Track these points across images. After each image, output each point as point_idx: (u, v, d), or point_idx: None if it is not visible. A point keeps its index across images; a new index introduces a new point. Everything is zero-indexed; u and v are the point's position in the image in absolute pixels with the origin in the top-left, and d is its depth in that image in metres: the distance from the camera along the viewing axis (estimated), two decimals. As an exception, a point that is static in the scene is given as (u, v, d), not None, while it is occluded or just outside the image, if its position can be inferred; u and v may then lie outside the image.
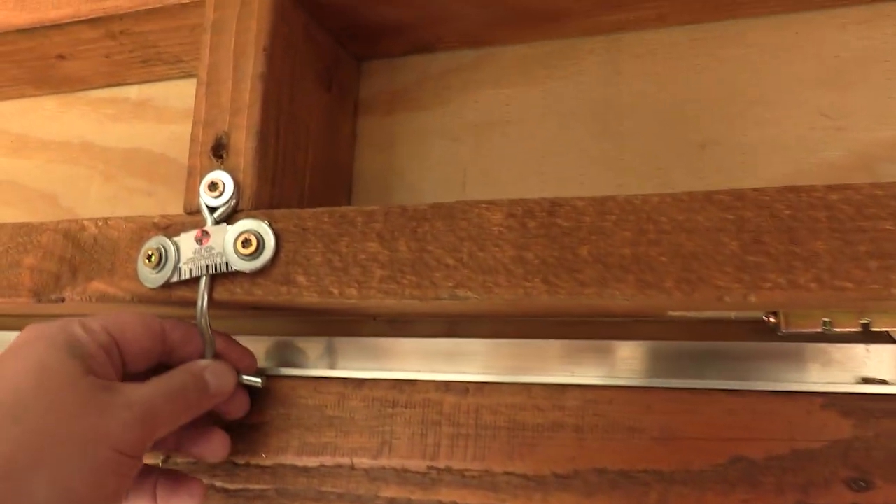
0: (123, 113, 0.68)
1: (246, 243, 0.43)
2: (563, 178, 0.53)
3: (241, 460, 0.47)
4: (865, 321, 0.39)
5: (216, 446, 0.44)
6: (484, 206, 0.40)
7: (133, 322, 0.42)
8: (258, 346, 0.50)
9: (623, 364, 0.42)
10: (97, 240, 0.48)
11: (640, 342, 0.42)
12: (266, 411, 0.48)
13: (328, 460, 0.45)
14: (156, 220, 0.47)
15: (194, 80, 0.65)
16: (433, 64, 0.59)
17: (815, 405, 0.39)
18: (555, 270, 0.38)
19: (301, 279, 0.42)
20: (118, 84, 0.69)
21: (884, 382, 0.39)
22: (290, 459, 0.46)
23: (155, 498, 0.43)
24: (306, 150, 0.52)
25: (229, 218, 0.45)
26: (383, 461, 0.44)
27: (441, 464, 0.43)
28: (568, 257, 0.38)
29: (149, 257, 0.45)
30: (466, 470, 0.42)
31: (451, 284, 0.39)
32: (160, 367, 0.43)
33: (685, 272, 0.36)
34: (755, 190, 0.36)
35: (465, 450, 0.43)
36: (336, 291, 0.41)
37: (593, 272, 0.37)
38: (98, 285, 0.47)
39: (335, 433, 0.45)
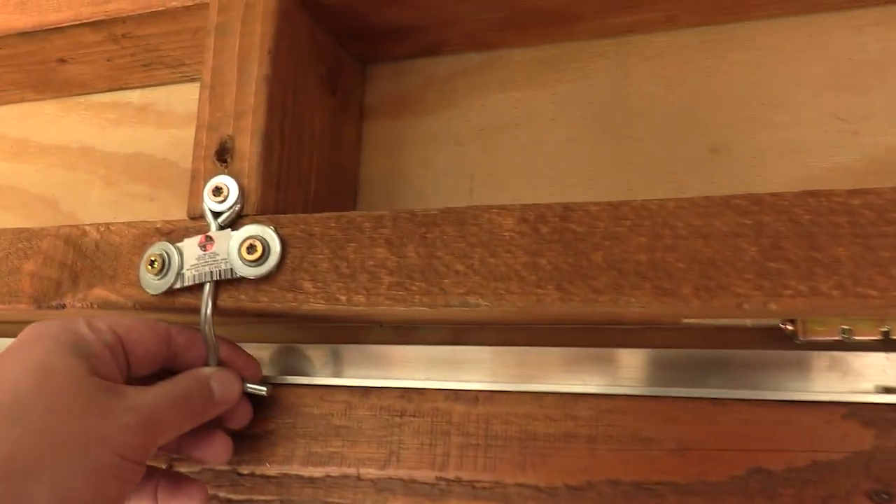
0: (125, 117, 0.67)
1: (251, 249, 0.42)
2: (572, 182, 0.52)
3: (245, 470, 0.46)
4: (886, 329, 0.39)
5: (218, 450, 0.43)
6: (495, 210, 0.39)
7: (138, 324, 0.41)
8: (261, 354, 0.49)
9: (636, 373, 0.41)
10: (99, 245, 0.47)
11: (654, 350, 0.42)
12: (271, 420, 0.47)
13: (334, 470, 0.44)
14: (158, 226, 0.46)
15: (197, 84, 0.65)
16: (439, 67, 0.58)
17: (836, 415, 0.38)
18: (568, 277, 0.37)
19: (307, 286, 0.41)
20: (119, 88, 0.68)
21: (905, 392, 0.38)
22: (295, 469, 0.45)
23: (156, 499, 0.42)
24: (311, 155, 0.51)
25: (234, 223, 0.44)
26: (391, 472, 0.43)
27: (450, 475, 0.42)
28: (582, 263, 0.37)
29: (151, 263, 0.44)
30: (477, 481, 0.41)
31: (461, 291, 0.38)
32: (164, 372, 0.43)
33: (703, 279, 0.35)
34: (774, 194, 0.35)
35: (475, 460, 0.42)
36: (343, 298, 0.40)
37: (608, 279, 0.36)
38: (100, 292, 0.46)
39: (342, 443, 0.44)
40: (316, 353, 0.48)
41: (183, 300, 0.44)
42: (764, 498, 0.37)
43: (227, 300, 0.43)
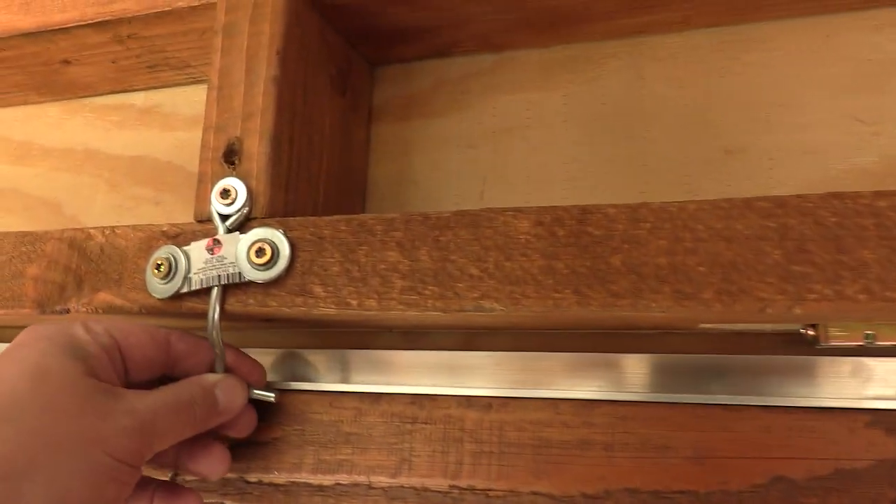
0: (129, 120, 0.67)
1: (260, 252, 0.41)
2: (585, 184, 0.51)
3: (252, 478, 0.45)
4: (910, 334, 0.38)
5: (215, 462, 0.42)
6: (510, 213, 0.39)
7: (137, 329, 0.40)
8: (268, 359, 0.48)
9: (653, 379, 0.40)
10: (104, 249, 0.46)
11: (670, 356, 0.41)
12: (279, 427, 0.46)
13: (344, 478, 0.43)
14: (165, 229, 0.45)
15: (202, 86, 0.65)
16: (450, 69, 0.57)
17: (859, 423, 0.37)
18: (586, 281, 0.36)
19: (318, 290, 0.41)
20: (124, 90, 0.67)
21: (930, 399, 0.37)
22: (304, 477, 0.44)
23: None
24: (320, 157, 0.51)
25: (242, 226, 0.44)
26: (402, 480, 0.42)
27: (463, 483, 0.41)
28: (600, 267, 0.36)
29: (158, 267, 0.43)
30: (490, 489, 0.41)
31: (476, 296, 0.38)
32: (164, 379, 0.42)
33: (725, 283, 0.34)
34: (798, 196, 0.34)
35: (489, 468, 0.41)
36: (354, 303, 0.40)
37: (627, 283, 0.36)
38: (105, 296, 0.45)
39: (352, 450, 0.43)
40: (324, 359, 0.48)
41: (190, 304, 0.43)
42: (787, 507, 0.37)
43: (234, 305, 0.42)
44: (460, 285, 0.38)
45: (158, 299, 0.44)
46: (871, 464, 0.36)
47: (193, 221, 0.46)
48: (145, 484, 0.42)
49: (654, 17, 0.52)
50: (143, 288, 0.44)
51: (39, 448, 0.33)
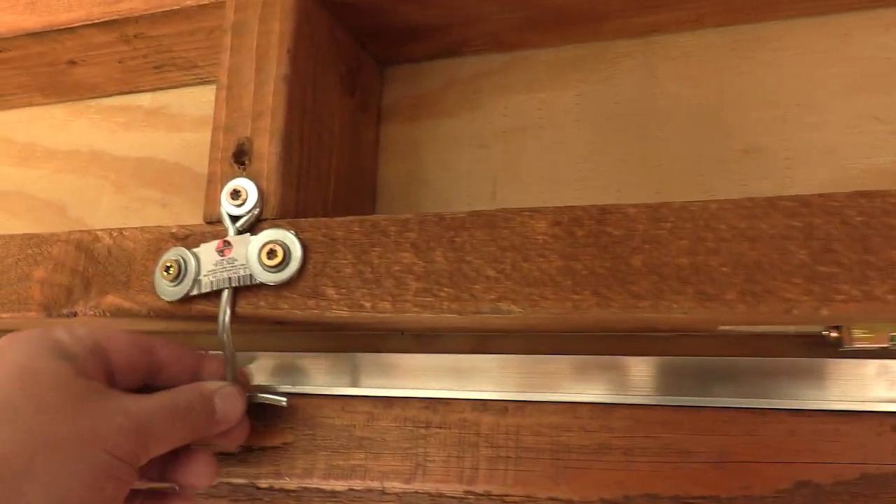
0: (135, 121, 0.66)
1: (271, 254, 0.41)
2: (598, 185, 0.51)
3: (263, 483, 0.44)
4: (938, 335, 0.37)
5: (200, 471, 0.41)
6: (527, 213, 0.38)
7: (119, 333, 0.39)
8: (278, 363, 0.47)
9: (673, 382, 0.40)
10: (111, 251, 0.46)
11: (691, 358, 0.40)
12: (289, 432, 0.45)
13: (357, 484, 0.42)
14: (174, 231, 0.45)
15: (209, 87, 0.64)
16: (460, 68, 0.57)
17: (886, 426, 0.36)
18: (606, 282, 0.35)
19: (330, 292, 0.40)
20: (130, 91, 0.66)
21: (957, 402, 0.37)
22: (316, 483, 0.43)
23: None
24: (331, 157, 0.50)
25: (252, 227, 0.43)
26: (417, 485, 0.41)
27: (479, 488, 0.40)
28: (620, 268, 0.35)
29: (167, 269, 0.43)
30: (507, 495, 0.40)
31: (492, 297, 0.37)
32: (146, 389, 0.40)
33: (749, 283, 0.33)
34: (823, 195, 0.34)
35: (506, 474, 0.40)
36: (368, 305, 0.39)
37: (648, 283, 0.35)
38: (113, 299, 0.44)
39: (365, 455, 0.43)
40: (334, 363, 0.47)
41: (200, 307, 0.43)
42: (812, 513, 0.36)
43: (245, 307, 0.41)
44: (477, 287, 0.37)
45: (168, 302, 0.43)
46: (898, 468, 0.36)
47: (203, 223, 0.45)
48: (131, 497, 0.40)
49: (667, 16, 0.51)
50: (152, 290, 0.43)
51: (38, 448, 0.32)
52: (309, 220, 0.42)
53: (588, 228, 0.37)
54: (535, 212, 0.38)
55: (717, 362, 0.39)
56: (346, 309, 0.39)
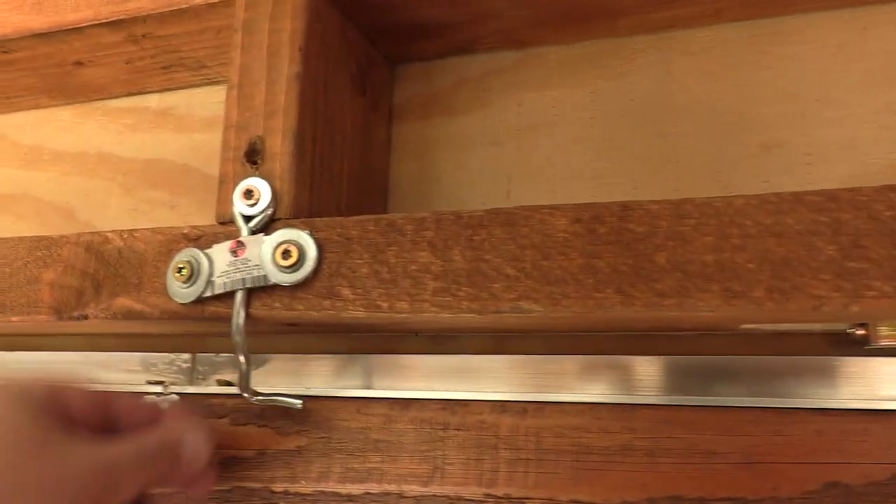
0: (143, 122, 0.65)
1: (285, 254, 0.40)
2: (615, 183, 0.50)
3: (278, 488, 0.43)
4: (967, 332, 0.36)
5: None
6: (546, 210, 0.37)
7: (73, 386, 0.38)
8: (292, 365, 0.47)
9: (696, 382, 0.39)
10: (122, 253, 0.45)
11: (715, 357, 0.39)
12: (304, 435, 0.44)
13: (374, 487, 0.42)
14: (185, 232, 0.44)
15: (217, 87, 0.63)
16: (471, 66, 0.56)
17: (916, 425, 0.36)
18: (629, 280, 0.35)
19: (346, 292, 0.39)
20: (138, 93, 0.66)
21: None
22: (332, 486, 0.42)
23: None
24: (342, 156, 0.49)
25: (266, 227, 0.42)
26: (435, 489, 0.41)
27: (499, 491, 0.40)
28: (644, 265, 0.35)
29: (179, 270, 0.42)
30: (527, 498, 0.39)
31: (512, 297, 0.36)
32: None
33: (777, 280, 0.33)
34: (850, 190, 0.33)
35: (526, 476, 0.39)
36: (385, 305, 0.38)
37: (672, 281, 0.34)
38: (124, 301, 0.44)
39: (381, 458, 0.42)
40: (349, 364, 0.46)
41: (213, 309, 0.42)
42: (843, 515, 0.35)
43: (259, 309, 0.41)
44: (496, 286, 0.37)
45: (180, 304, 0.42)
46: (929, 468, 0.35)
47: (215, 223, 0.44)
48: None
49: (683, 11, 0.50)
50: (164, 292, 0.43)
51: (5, 491, 0.32)
52: (323, 219, 0.41)
53: (610, 225, 0.36)
54: (555, 209, 0.37)
55: (741, 361, 0.39)
56: (362, 309, 0.38)
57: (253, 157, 0.44)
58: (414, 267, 0.38)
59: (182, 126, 0.64)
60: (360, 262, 0.39)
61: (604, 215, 0.36)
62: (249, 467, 0.44)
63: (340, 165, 0.49)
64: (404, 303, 0.38)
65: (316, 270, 0.40)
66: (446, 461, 0.41)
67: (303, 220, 0.42)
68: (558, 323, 0.39)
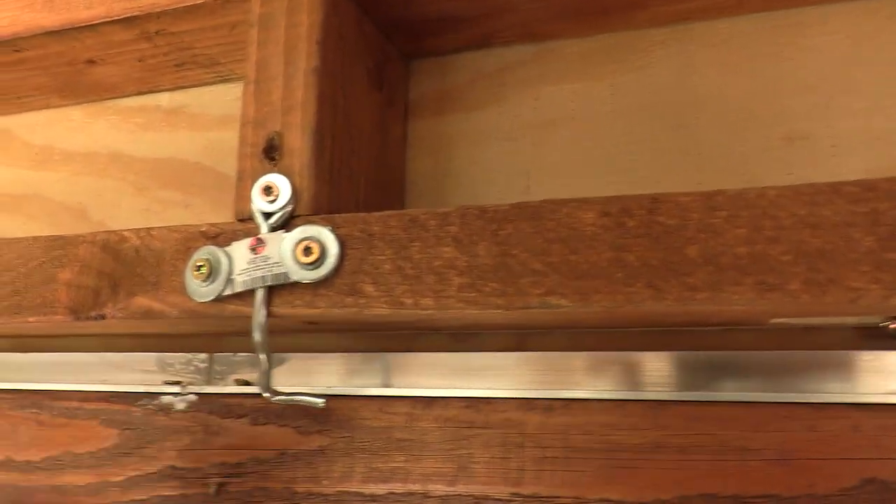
0: (154, 121, 0.65)
1: (307, 251, 0.39)
2: (636, 176, 0.49)
3: (300, 488, 0.43)
4: None
5: None
6: (573, 204, 0.37)
7: None
8: (312, 364, 0.46)
9: (727, 377, 0.38)
10: (139, 252, 0.44)
11: (745, 353, 0.38)
12: (325, 435, 0.44)
13: (398, 487, 0.41)
14: (204, 229, 0.43)
15: (230, 85, 0.63)
16: (488, 60, 0.55)
17: (955, 420, 0.35)
18: (660, 273, 0.34)
19: (369, 289, 0.38)
20: (149, 91, 0.65)
21: None
22: (355, 487, 0.42)
23: None
24: (360, 153, 0.49)
25: (286, 224, 0.42)
26: (461, 488, 0.40)
27: (526, 490, 0.39)
28: (674, 259, 0.34)
29: (198, 269, 0.41)
30: (556, 497, 0.38)
31: (540, 292, 0.36)
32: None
33: (813, 272, 0.32)
34: (888, 180, 0.32)
35: (554, 474, 0.39)
36: (410, 301, 0.37)
37: (704, 274, 0.33)
38: (142, 301, 0.43)
39: (405, 457, 0.41)
40: (370, 363, 0.45)
41: (233, 307, 0.41)
42: (882, 512, 0.34)
43: (281, 306, 0.40)
44: (523, 281, 0.36)
45: (199, 303, 0.42)
46: (969, 464, 0.34)
47: (233, 221, 0.44)
48: None
49: (703, 3, 0.50)
50: (183, 291, 0.42)
51: None
52: (343, 215, 0.41)
53: (639, 218, 0.35)
54: (583, 202, 0.36)
55: (772, 356, 0.38)
56: (386, 306, 0.38)
57: (271, 153, 0.44)
58: (438, 263, 0.38)
59: (194, 124, 0.63)
60: (382, 258, 0.39)
61: (633, 208, 0.35)
62: (270, 468, 0.43)
63: (358, 162, 0.48)
64: (429, 299, 0.37)
65: (338, 267, 0.39)
66: (472, 460, 0.40)
67: (323, 216, 0.41)
68: (586, 318, 0.39)
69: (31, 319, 0.46)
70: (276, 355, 0.47)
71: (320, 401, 0.42)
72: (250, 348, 0.43)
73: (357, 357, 0.46)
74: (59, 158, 0.68)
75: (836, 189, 0.33)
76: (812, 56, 0.48)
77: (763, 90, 0.49)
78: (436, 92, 0.57)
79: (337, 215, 0.41)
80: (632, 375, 0.40)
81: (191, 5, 0.51)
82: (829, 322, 0.39)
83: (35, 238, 0.48)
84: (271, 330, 0.44)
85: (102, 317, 0.44)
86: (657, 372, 0.39)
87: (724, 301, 0.33)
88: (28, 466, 0.53)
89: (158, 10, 0.52)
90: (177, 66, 0.60)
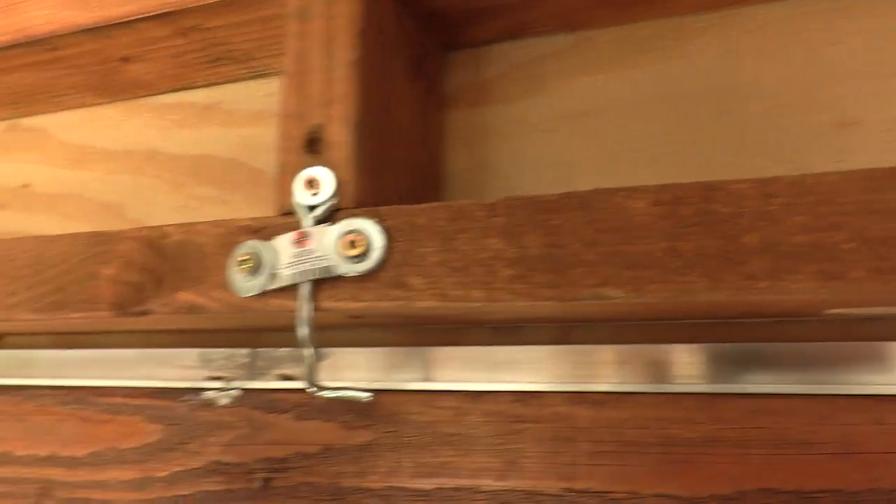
0: (189, 118, 0.65)
1: (352, 244, 0.39)
2: (680, 167, 0.48)
3: (347, 483, 0.42)
4: None
5: None
6: (624, 193, 0.36)
7: None
8: (356, 358, 0.46)
9: (785, 369, 0.37)
10: (182, 247, 0.44)
11: (803, 344, 0.38)
12: (372, 429, 0.43)
13: (447, 482, 0.40)
14: (246, 224, 0.43)
15: (264, 81, 0.63)
16: (523, 51, 0.55)
17: None
18: (716, 263, 0.33)
19: (416, 281, 0.38)
20: (183, 88, 0.65)
21: None
22: (402, 482, 0.41)
23: None
24: (400, 146, 0.48)
25: (330, 217, 0.41)
26: (511, 483, 0.39)
27: (579, 485, 0.38)
28: (731, 248, 0.33)
29: (242, 263, 0.41)
30: (610, 492, 0.38)
31: (593, 283, 0.35)
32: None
33: (878, 260, 0.31)
34: (955, 163, 0.31)
35: (607, 469, 0.38)
36: (458, 293, 0.37)
37: (763, 263, 0.33)
38: (186, 296, 0.43)
39: (453, 452, 0.41)
40: (414, 357, 0.45)
41: (277, 302, 0.41)
42: (951, 506, 0.33)
43: (325, 300, 0.40)
44: (575, 272, 0.35)
45: (243, 297, 0.41)
46: None
47: (275, 215, 0.43)
48: None
49: (752, -13, 0.49)
50: (227, 286, 0.42)
51: None
52: (388, 207, 0.40)
53: (693, 207, 0.34)
54: (634, 191, 0.36)
55: (832, 347, 0.37)
56: (433, 299, 0.37)
57: (313, 147, 0.43)
58: (486, 254, 0.37)
59: (229, 121, 0.63)
60: (428, 250, 0.38)
61: (687, 196, 0.35)
62: (316, 463, 0.43)
63: (399, 154, 0.48)
64: (478, 291, 0.36)
65: (383, 260, 0.39)
66: (522, 455, 0.39)
67: (368, 208, 0.41)
68: (636, 310, 0.38)
69: (74, 316, 0.46)
70: (322, 350, 0.46)
71: (367, 395, 0.42)
72: (291, 343, 0.43)
73: (400, 351, 0.45)
74: (94, 157, 0.68)
75: (899, 174, 0.32)
76: (861, 39, 0.47)
77: (811, 76, 0.47)
78: (472, 83, 0.56)
79: (381, 208, 0.40)
80: (684, 368, 0.39)
81: (226, 0, 0.51)
82: (889, 312, 0.38)
83: (76, 235, 0.48)
84: (319, 325, 0.43)
85: (146, 312, 0.44)
86: (709, 364, 0.38)
87: (784, 290, 0.32)
88: (72, 462, 0.53)
89: (193, 5, 0.52)
90: (211, 62, 0.60)
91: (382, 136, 0.46)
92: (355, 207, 0.41)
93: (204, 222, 0.44)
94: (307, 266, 0.40)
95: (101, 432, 0.53)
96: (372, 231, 0.39)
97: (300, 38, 0.46)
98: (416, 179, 0.50)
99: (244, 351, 0.50)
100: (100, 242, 0.47)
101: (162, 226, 0.45)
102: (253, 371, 0.49)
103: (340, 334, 0.49)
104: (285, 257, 0.41)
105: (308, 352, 0.40)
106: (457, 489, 0.40)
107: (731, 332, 0.41)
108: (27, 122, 0.72)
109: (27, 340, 0.61)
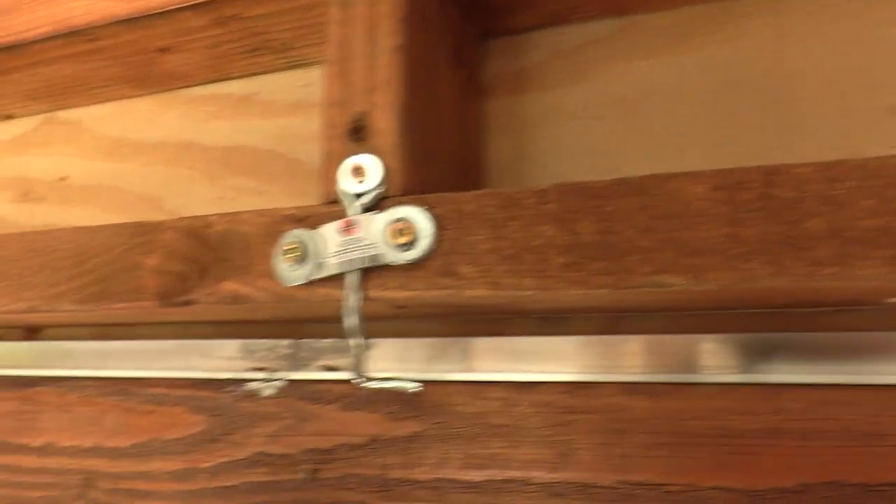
0: (225, 109, 0.64)
1: (399, 233, 0.38)
2: (731, 154, 0.47)
3: (394, 475, 0.42)
4: None
5: None
6: (681, 178, 0.35)
7: None
8: (402, 348, 0.45)
9: (849, 358, 0.36)
10: (226, 236, 0.44)
11: (866, 333, 0.36)
12: (419, 420, 0.43)
13: (497, 474, 0.40)
14: (291, 212, 0.43)
15: (300, 71, 0.62)
16: (568, 37, 0.54)
17: None
18: (780, 249, 0.32)
19: (465, 270, 0.37)
20: (219, 79, 0.65)
21: None
22: (451, 474, 0.41)
23: None
24: (443, 133, 0.47)
25: (377, 205, 0.41)
26: (564, 475, 0.39)
27: (634, 478, 0.37)
28: (794, 233, 0.32)
29: (288, 252, 0.41)
30: (666, 485, 0.37)
31: (649, 270, 0.34)
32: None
33: (952, 244, 0.30)
34: None
35: (664, 461, 0.37)
36: (510, 282, 0.36)
37: (829, 249, 0.32)
38: (231, 286, 0.43)
39: (503, 444, 0.40)
40: (461, 347, 0.44)
41: (324, 291, 0.40)
42: None
43: (373, 289, 0.39)
44: (631, 259, 0.34)
45: (290, 287, 0.41)
46: None
47: (319, 204, 0.43)
48: None
49: (799, -31, 0.47)
50: (272, 275, 0.41)
51: None
52: (435, 195, 0.40)
53: (754, 192, 0.33)
54: (691, 176, 0.35)
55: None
56: (484, 287, 0.37)
57: (358, 134, 0.43)
58: (537, 242, 0.36)
59: (266, 111, 0.63)
60: (478, 238, 0.38)
61: (746, 181, 0.34)
62: (362, 454, 0.42)
63: (442, 142, 0.47)
64: (531, 279, 0.36)
65: (432, 248, 0.38)
66: (574, 446, 0.39)
67: (415, 196, 0.40)
68: (694, 298, 0.37)
69: (117, 306, 0.45)
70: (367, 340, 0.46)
71: (415, 385, 0.41)
72: (333, 334, 0.43)
73: (446, 342, 0.45)
74: (130, 149, 0.68)
75: (973, 155, 0.30)
76: (917, 22, 0.46)
77: (864, 59, 0.46)
78: (513, 71, 0.55)
79: (429, 195, 0.40)
80: (741, 358, 0.38)
81: (266, -12, 0.50)
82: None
83: (118, 225, 0.48)
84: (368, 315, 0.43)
85: (191, 302, 0.43)
86: (768, 354, 0.37)
87: (851, 276, 0.31)
88: (116, 453, 0.53)
89: (233, -7, 0.52)
90: (249, 52, 0.60)
91: (427, 123, 0.45)
92: (402, 195, 0.41)
93: (248, 211, 0.44)
94: (354, 255, 0.39)
95: (145, 423, 0.53)
96: (420, 219, 0.39)
97: (343, 25, 0.45)
98: (459, 168, 0.50)
99: (286, 342, 0.49)
100: (142, 233, 0.47)
101: (205, 215, 0.45)
102: (296, 362, 0.49)
103: (381, 325, 0.49)
104: (332, 246, 0.40)
105: (355, 342, 0.40)
106: (507, 481, 0.39)
107: (788, 321, 0.40)
108: (63, 114, 0.72)
109: (65, 332, 0.61)
